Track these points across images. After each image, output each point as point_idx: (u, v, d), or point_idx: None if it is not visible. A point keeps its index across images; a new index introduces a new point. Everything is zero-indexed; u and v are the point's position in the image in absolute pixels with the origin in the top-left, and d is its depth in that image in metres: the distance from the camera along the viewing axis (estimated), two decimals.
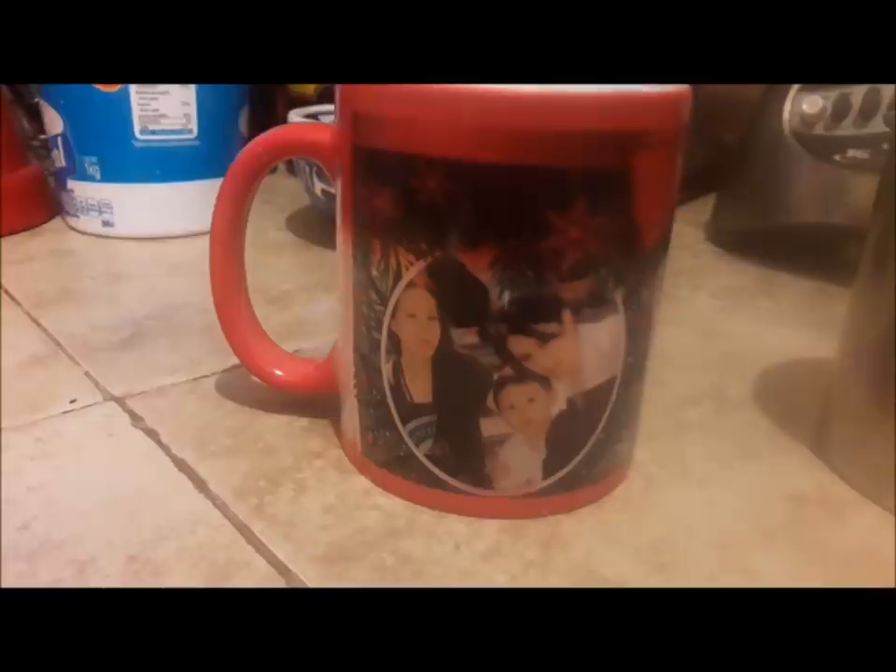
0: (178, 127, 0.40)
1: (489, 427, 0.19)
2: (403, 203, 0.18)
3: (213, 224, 0.22)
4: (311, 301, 0.34)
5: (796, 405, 0.26)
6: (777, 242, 0.40)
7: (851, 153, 0.35)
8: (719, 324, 0.33)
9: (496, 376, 0.18)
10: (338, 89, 0.19)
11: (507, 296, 0.17)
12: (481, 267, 0.17)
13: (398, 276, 0.18)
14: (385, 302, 0.19)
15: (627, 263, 0.18)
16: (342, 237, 0.20)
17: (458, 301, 0.18)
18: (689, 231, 0.45)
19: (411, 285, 0.18)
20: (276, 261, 0.39)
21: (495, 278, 0.17)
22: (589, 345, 0.18)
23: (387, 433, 0.20)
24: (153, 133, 0.39)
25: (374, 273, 0.19)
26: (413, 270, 0.18)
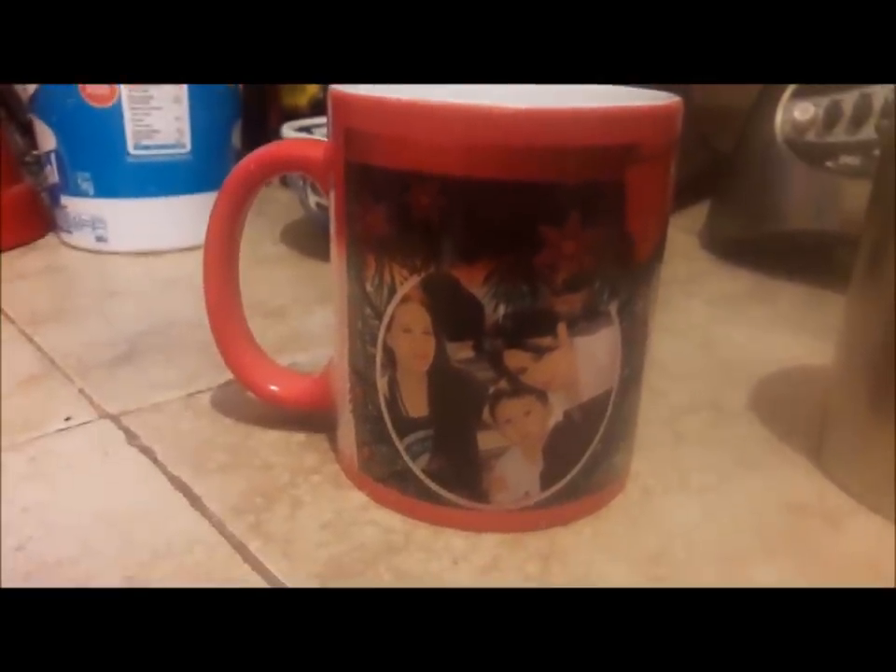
0: (171, 142, 0.40)
1: (486, 440, 0.19)
2: (397, 219, 0.18)
3: (206, 242, 0.22)
4: (306, 314, 0.34)
5: (794, 413, 0.26)
6: (771, 248, 0.40)
7: (843, 159, 0.35)
8: (714, 332, 0.33)
9: (492, 390, 0.18)
10: (330, 106, 0.19)
11: (501, 310, 0.17)
12: (475, 282, 0.17)
13: (392, 291, 0.18)
14: (379, 317, 0.19)
15: (621, 276, 0.18)
16: (335, 252, 0.20)
17: (453, 316, 0.18)
18: (683, 238, 0.45)
19: (405, 299, 0.18)
20: (271, 274, 0.39)
21: (489, 293, 0.17)
22: (584, 358, 0.18)
23: (384, 448, 0.20)
24: (146, 148, 0.39)
25: (369, 287, 0.19)
26: (408, 285, 0.18)
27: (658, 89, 0.20)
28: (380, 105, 0.17)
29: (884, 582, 0.19)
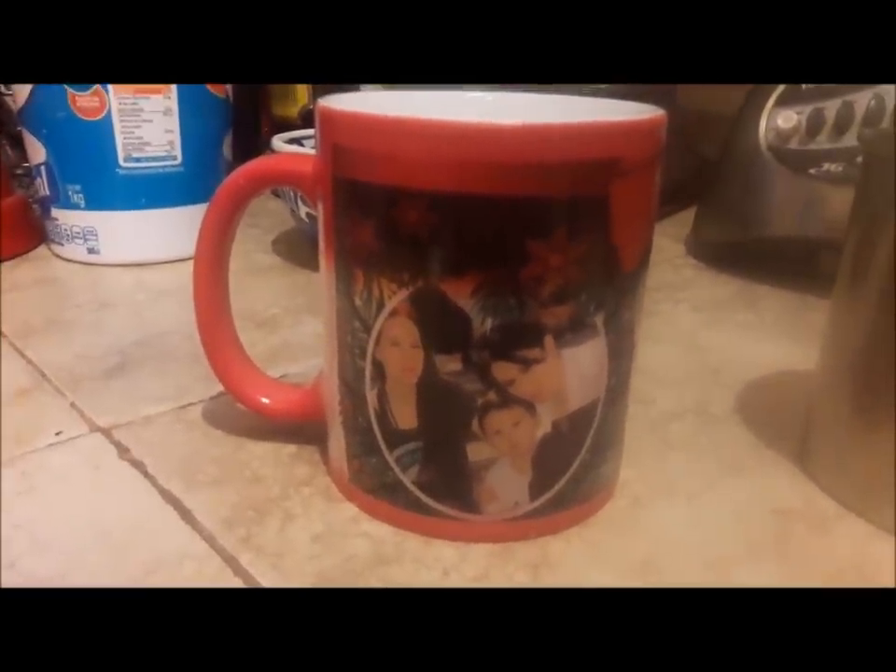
0: (162, 154, 0.40)
1: (475, 451, 0.19)
2: (385, 234, 0.18)
3: (196, 254, 0.22)
4: (298, 325, 0.34)
5: (780, 418, 0.27)
6: (757, 254, 0.41)
7: (826, 166, 0.36)
8: (701, 338, 0.33)
9: (480, 402, 0.18)
10: (317, 121, 0.19)
11: (489, 323, 0.18)
12: (463, 296, 0.17)
13: (380, 305, 0.18)
14: (368, 331, 0.19)
15: (607, 287, 0.18)
16: (324, 266, 0.20)
17: (441, 330, 0.18)
18: (669, 245, 0.46)
19: (394, 313, 0.18)
20: (263, 285, 0.39)
21: (477, 306, 0.18)
22: (572, 369, 0.19)
23: (374, 460, 0.20)
24: (137, 160, 0.39)
25: (357, 302, 0.19)
26: (396, 299, 0.18)
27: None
28: (366, 121, 0.18)
29: (869, 585, 0.19)
